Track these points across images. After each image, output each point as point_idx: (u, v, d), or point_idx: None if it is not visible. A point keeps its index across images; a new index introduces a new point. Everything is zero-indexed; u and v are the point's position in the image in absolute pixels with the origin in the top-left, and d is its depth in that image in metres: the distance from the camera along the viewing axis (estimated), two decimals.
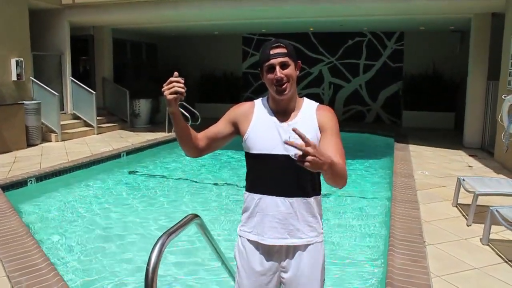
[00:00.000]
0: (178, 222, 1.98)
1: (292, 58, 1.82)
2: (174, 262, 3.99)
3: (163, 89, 1.71)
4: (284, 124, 1.86)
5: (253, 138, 1.87)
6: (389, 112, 14.21)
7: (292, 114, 1.88)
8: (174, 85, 1.70)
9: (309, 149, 1.43)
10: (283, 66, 1.79)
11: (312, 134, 1.83)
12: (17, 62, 9.39)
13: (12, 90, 9.44)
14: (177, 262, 4.01)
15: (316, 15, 10.36)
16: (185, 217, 2.06)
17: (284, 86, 1.79)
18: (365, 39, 14.18)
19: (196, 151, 1.93)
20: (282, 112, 1.88)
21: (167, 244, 1.79)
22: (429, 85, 12.85)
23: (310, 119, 1.87)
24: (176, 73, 1.72)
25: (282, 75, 1.78)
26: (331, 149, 1.75)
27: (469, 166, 7.51)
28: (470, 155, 8.50)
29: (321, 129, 1.85)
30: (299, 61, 1.87)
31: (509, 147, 6.91)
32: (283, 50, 1.80)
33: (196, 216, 2.13)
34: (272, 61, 1.79)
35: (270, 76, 1.81)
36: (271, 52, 1.80)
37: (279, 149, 1.82)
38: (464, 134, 9.75)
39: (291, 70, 1.81)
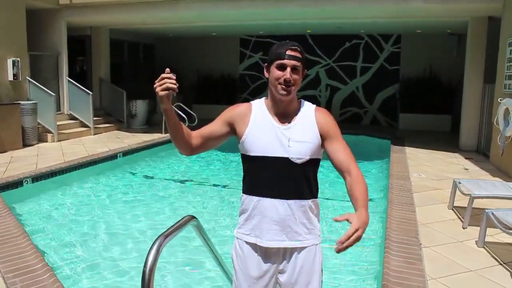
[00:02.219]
0: (175, 224, 1.98)
1: (303, 65, 1.85)
2: (170, 263, 3.99)
3: (155, 86, 1.71)
4: (282, 126, 1.86)
5: (251, 140, 1.87)
6: (386, 115, 14.24)
7: (291, 116, 1.89)
8: (166, 81, 1.70)
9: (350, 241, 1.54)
10: (294, 69, 1.81)
11: (313, 136, 1.85)
12: (13, 62, 9.35)
13: (9, 90, 9.40)
14: (173, 262, 4.01)
15: (314, 17, 10.38)
16: (181, 219, 2.06)
17: (289, 88, 1.81)
18: (362, 42, 14.21)
19: (189, 149, 1.92)
20: (281, 114, 1.89)
21: (164, 245, 1.79)
22: (425, 88, 12.88)
23: (310, 122, 1.88)
24: (167, 70, 1.72)
25: (291, 78, 1.80)
26: (346, 157, 1.82)
27: (465, 169, 7.54)
28: (466, 158, 8.53)
29: (324, 135, 1.87)
30: (305, 70, 1.90)
31: (504, 150, 6.94)
32: (299, 55, 1.83)
33: (193, 217, 2.13)
34: (286, 61, 1.80)
35: (279, 73, 1.81)
36: (288, 53, 1.81)
37: (278, 152, 1.83)
38: (460, 136, 9.78)
39: (299, 76, 1.84)
